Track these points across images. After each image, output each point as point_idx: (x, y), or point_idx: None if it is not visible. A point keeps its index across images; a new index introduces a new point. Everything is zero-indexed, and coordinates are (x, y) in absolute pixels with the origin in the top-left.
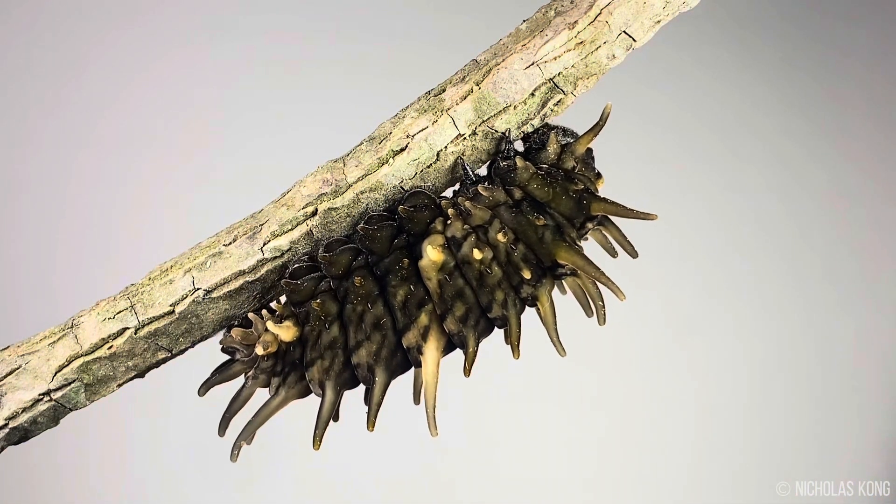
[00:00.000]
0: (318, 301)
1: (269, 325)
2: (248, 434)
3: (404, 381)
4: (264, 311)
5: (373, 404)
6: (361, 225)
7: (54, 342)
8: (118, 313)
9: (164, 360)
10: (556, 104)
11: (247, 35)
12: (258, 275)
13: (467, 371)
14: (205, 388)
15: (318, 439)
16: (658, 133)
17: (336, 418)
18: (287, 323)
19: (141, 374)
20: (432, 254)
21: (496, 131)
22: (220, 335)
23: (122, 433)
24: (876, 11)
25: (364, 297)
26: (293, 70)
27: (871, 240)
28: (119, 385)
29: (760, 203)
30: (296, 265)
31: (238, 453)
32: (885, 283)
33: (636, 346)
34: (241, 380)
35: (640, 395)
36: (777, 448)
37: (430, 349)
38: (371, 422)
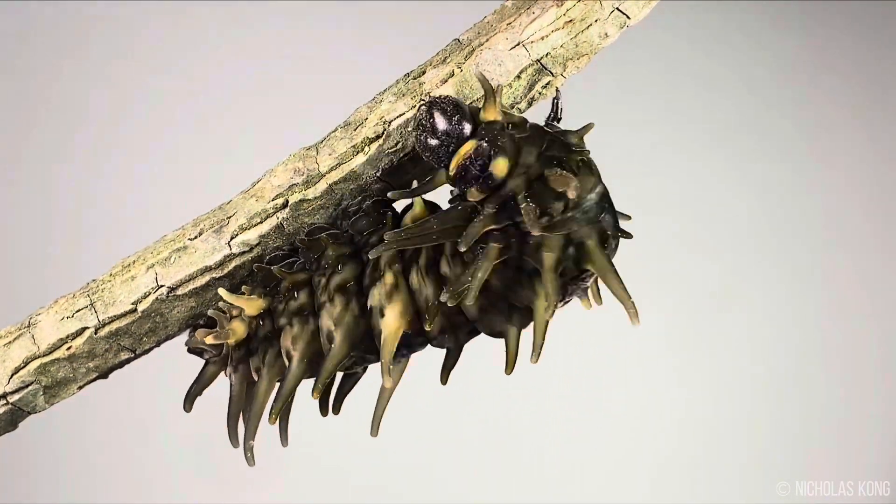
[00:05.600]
0: (282, 269)
1: (227, 296)
2: (252, 431)
3: (407, 379)
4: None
5: (323, 371)
6: (367, 203)
7: (10, 342)
8: (77, 312)
9: (128, 361)
10: (544, 87)
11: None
12: (225, 271)
13: (429, 323)
14: (189, 402)
15: (274, 413)
16: (656, 127)
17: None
18: (251, 296)
19: (103, 376)
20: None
21: None
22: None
23: (119, 432)
24: None
25: (335, 261)
26: (271, 49)
27: (871, 237)
28: (80, 387)
29: (762, 199)
30: (274, 253)
31: (252, 455)
32: (886, 281)
33: (635, 345)
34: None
35: (639, 395)
36: (777, 448)
37: (393, 310)
38: (317, 388)
